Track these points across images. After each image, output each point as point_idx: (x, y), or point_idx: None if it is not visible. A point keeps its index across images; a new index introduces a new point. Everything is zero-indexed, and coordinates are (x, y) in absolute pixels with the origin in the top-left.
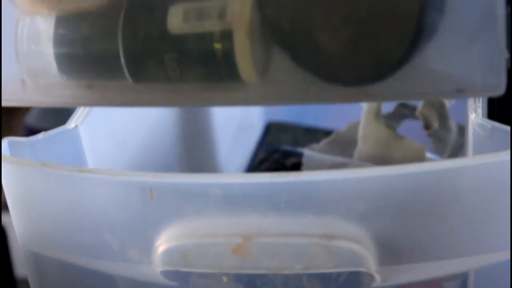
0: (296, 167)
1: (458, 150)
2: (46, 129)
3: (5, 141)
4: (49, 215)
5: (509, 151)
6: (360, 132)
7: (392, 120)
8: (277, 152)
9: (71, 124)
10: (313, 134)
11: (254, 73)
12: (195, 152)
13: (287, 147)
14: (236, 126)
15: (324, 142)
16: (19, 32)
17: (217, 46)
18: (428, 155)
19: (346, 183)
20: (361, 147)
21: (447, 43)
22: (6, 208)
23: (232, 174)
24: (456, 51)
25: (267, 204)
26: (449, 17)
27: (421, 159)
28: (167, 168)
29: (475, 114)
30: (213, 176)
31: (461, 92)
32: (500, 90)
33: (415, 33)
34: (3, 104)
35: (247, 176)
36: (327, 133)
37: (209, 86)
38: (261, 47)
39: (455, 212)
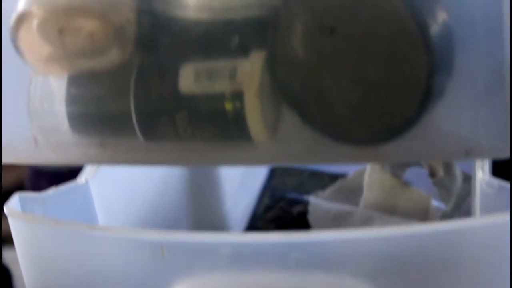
0: (302, 215)
1: (463, 198)
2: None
3: (16, 196)
4: (60, 271)
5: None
6: (366, 180)
7: (398, 168)
8: (283, 199)
9: (82, 179)
10: (319, 178)
11: (264, 133)
12: (201, 197)
13: (293, 195)
14: (242, 170)
15: (329, 189)
16: (31, 90)
17: (228, 106)
18: (434, 202)
19: (355, 243)
20: (367, 195)
21: (456, 105)
22: (9, 243)
23: (242, 234)
24: (465, 113)
25: (277, 263)
26: (458, 79)
27: (426, 208)
28: (175, 214)
29: (482, 172)
30: (223, 235)
31: (470, 154)
32: (506, 153)
33: (424, 95)
34: (16, 162)
35: (257, 236)
36: (332, 176)
37: (220, 145)
38: (271, 106)
39: (461, 271)
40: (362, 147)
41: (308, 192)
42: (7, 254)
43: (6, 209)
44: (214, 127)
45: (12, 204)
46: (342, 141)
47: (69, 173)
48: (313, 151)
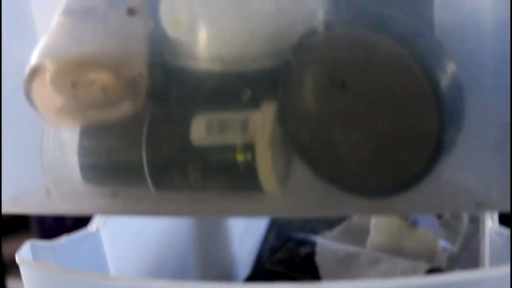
0: (310, 256)
1: (470, 239)
2: None
3: (27, 244)
4: None
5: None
6: (373, 221)
7: None
8: (290, 240)
9: (92, 227)
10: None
11: (276, 184)
12: (208, 241)
13: (300, 235)
14: None
15: (336, 230)
16: (44, 141)
17: (240, 157)
18: (441, 242)
19: None
20: (374, 236)
21: (466, 158)
22: (12, 272)
23: (251, 285)
24: (475, 166)
25: None
26: (468, 133)
27: (434, 249)
28: (183, 259)
29: (492, 222)
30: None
31: (480, 206)
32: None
33: (434, 148)
34: (28, 212)
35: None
36: None
37: (231, 196)
38: (282, 158)
39: None
40: (372, 198)
41: (314, 230)
42: (11, 284)
43: (17, 257)
44: (225, 178)
45: (24, 253)
46: (353, 193)
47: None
48: (324, 203)
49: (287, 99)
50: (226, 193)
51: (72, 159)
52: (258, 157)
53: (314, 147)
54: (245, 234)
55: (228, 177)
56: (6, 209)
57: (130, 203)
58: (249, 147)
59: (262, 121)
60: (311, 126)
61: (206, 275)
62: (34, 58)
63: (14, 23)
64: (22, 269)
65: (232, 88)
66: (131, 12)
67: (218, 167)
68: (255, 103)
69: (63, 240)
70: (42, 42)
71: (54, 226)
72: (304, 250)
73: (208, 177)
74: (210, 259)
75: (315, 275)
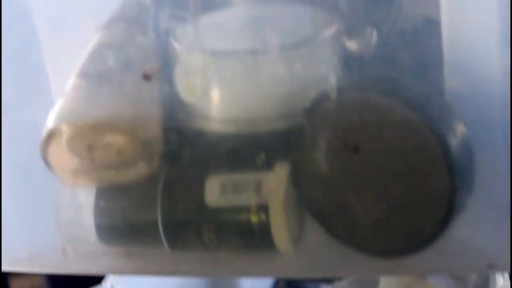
0: None
1: None
2: None
3: None
4: None
5: None
6: None
7: None
8: None
9: (107, 284)
10: None
11: (289, 244)
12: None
13: (310, 285)
14: None
15: (347, 280)
16: (60, 202)
17: (254, 218)
18: None
19: None
20: (385, 286)
21: (477, 220)
22: None
23: None
24: (486, 228)
25: None
26: (479, 195)
27: None
28: None
29: (503, 280)
30: None
31: (492, 267)
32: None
33: (446, 211)
34: (44, 271)
35: None
36: None
37: (245, 256)
38: (296, 218)
39: None
40: (385, 259)
41: (324, 280)
42: None
43: None
44: (239, 238)
45: None
46: (366, 253)
47: None
48: (337, 263)
49: (300, 161)
50: (240, 253)
51: (87, 219)
52: (272, 217)
53: (327, 208)
54: (255, 283)
55: (242, 237)
56: (22, 268)
57: (145, 262)
58: (263, 208)
59: (276, 182)
60: (324, 187)
61: None
62: (50, 121)
63: (30, 86)
64: None
65: (246, 150)
66: (146, 77)
67: (232, 228)
68: (268, 164)
69: None
70: (58, 105)
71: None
72: None
73: (222, 237)
74: None
75: None
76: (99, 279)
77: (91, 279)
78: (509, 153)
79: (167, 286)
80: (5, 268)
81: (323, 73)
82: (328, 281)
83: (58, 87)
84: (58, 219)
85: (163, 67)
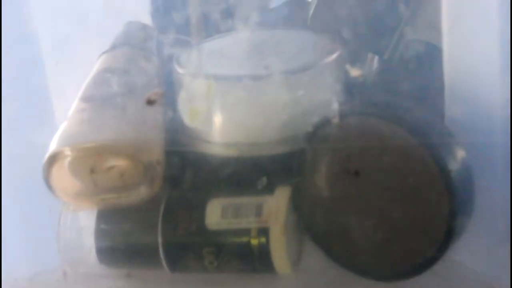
0: None
1: None
2: None
3: None
4: None
5: None
6: None
7: None
8: None
9: None
10: None
11: (289, 266)
12: None
13: None
14: None
15: None
16: (61, 224)
17: (254, 241)
18: None
19: None
20: None
21: (477, 244)
22: None
23: None
24: (485, 251)
25: None
26: (478, 220)
27: None
28: None
29: None
30: None
31: None
32: None
33: (445, 235)
34: None
35: None
36: None
37: (245, 278)
38: (296, 241)
39: None
40: (384, 282)
41: None
42: None
43: None
44: (239, 261)
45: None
46: (365, 276)
47: None
48: (336, 286)
49: (301, 185)
50: (240, 275)
51: (88, 241)
52: (272, 241)
53: (327, 231)
54: None
55: (242, 260)
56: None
57: (145, 284)
58: (263, 231)
59: (276, 205)
60: (325, 211)
61: None
62: (53, 144)
63: (34, 109)
64: None
65: (247, 173)
66: (150, 102)
67: (232, 251)
68: (269, 188)
69: None
70: (61, 128)
71: None
72: None
73: (222, 260)
74: None
75: None
76: None
77: None
78: (509, 176)
79: None
80: None
81: (325, 99)
82: None
83: (62, 110)
84: (59, 241)
85: (167, 91)
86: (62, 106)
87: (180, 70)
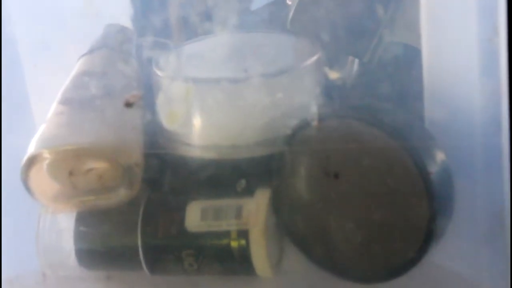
0: None
1: None
2: None
3: None
4: None
5: None
6: None
7: None
8: None
9: None
10: None
11: (269, 269)
12: None
13: None
14: None
15: None
16: (40, 227)
17: (233, 244)
18: None
19: None
20: None
21: (456, 247)
22: None
23: None
24: (465, 254)
25: None
26: (458, 223)
27: None
28: None
29: None
30: None
31: None
32: None
33: (424, 237)
34: None
35: None
36: None
37: (225, 280)
38: (275, 243)
39: None
40: (364, 284)
41: None
42: None
43: None
44: (219, 263)
45: None
46: (345, 278)
47: None
48: (316, 287)
49: (281, 188)
50: (220, 277)
51: (68, 244)
52: (252, 243)
53: (307, 234)
54: None
55: (222, 262)
56: None
57: (125, 286)
58: (243, 234)
59: (256, 208)
60: (304, 213)
61: None
62: (32, 147)
63: (13, 111)
64: None
65: (227, 176)
66: (128, 104)
67: (212, 253)
68: (249, 190)
69: None
70: (39, 131)
71: None
72: None
73: (202, 262)
74: None
75: None
76: None
77: None
78: (509, 177)
79: None
80: None
81: (304, 101)
82: None
83: (40, 113)
84: (38, 243)
85: (145, 94)
86: (41, 109)
87: (159, 73)
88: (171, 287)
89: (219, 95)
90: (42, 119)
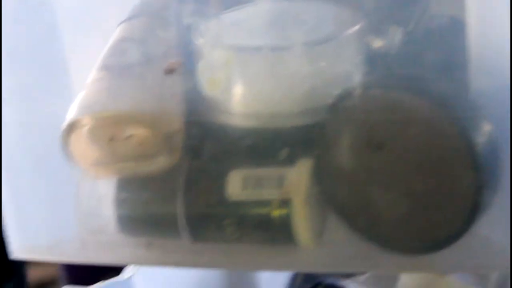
0: None
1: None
2: None
3: None
4: None
5: None
6: None
7: None
8: (319, 285)
9: (126, 274)
10: None
11: (311, 239)
12: (238, 282)
13: (329, 279)
14: None
15: (367, 275)
16: (80, 193)
17: (275, 213)
18: None
19: None
20: (405, 282)
21: (502, 217)
22: None
23: None
24: (510, 225)
25: None
26: (504, 192)
27: None
28: None
29: None
30: None
31: None
32: None
33: (470, 209)
34: (63, 260)
35: None
36: None
37: (266, 250)
38: (317, 213)
39: None
40: (408, 256)
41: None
42: None
43: None
44: (261, 232)
45: None
46: (388, 250)
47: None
48: (359, 258)
49: (323, 157)
50: (261, 246)
51: (107, 210)
52: (294, 212)
53: (350, 204)
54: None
55: (263, 231)
56: (41, 257)
57: (165, 254)
58: (285, 203)
59: (298, 177)
60: (347, 183)
61: None
62: (72, 113)
63: (51, 78)
64: None
65: (268, 145)
66: (168, 71)
67: (253, 222)
68: (291, 159)
69: (97, 286)
70: (80, 97)
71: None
72: None
73: (243, 231)
74: None
75: None
76: (116, 270)
77: (108, 270)
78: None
79: (185, 278)
80: (24, 256)
81: (347, 70)
82: (347, 275)
83: (79, 79)
84: (78, 209)
85: (185, 61)
86: (80, 76)
87: (199, 40)
88: (212, 255)
89: (260, 63)
90: (80, 86)
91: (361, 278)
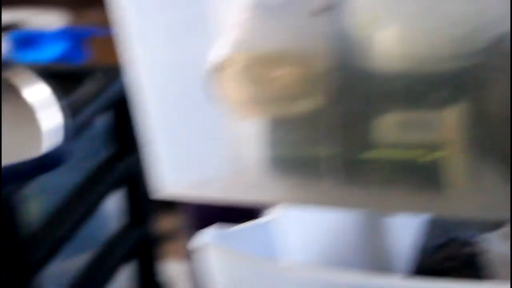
0: (473, 256)
1: None
2: None
3: (211, 231)
4: None
5: None
6: None
7: None
8: (453, 239)
9: (266, 218)
10: None
11: (464, 185)
12: (372, 232)
13: (463, 234)
14: None
15: (503, 229)
16: (230, 132)
17: (427, 158)
18: None
19: None
20: None
21: None
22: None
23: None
24: None
25: None
26: None
27: None
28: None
29: None
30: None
31: None
32: None
33: None
34: (214, 199)
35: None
36: None
37: (415, 192)
38: (471, 159)
39: None
40: None
41: (478, 228)
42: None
43: (200, 243)
44: (412, 177)
45: (207, 238)
46: None
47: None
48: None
49: (479, 102)
50: (410, 190)
51: (255, 151)
52: (447, 157)
53: (506, 150)
54: (404, 229)
55: (415, 176)
56: (187, 195)
57: (311, 195)
58: (437, 147)
59: (452, 122)
60: (505, 129)
61: (365, 267)
62: (221, 52)
63: (193, 17)
64: (207, 254)
65: (420, 88)
66: (318, 11)
67: (404, 166)
68: (444, 103)
69: (239, 228)
70: (229, 36)
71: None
72: (467, 250)
73: (393, 175)
74: (371, 251)
75: (479, 276)
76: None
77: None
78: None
79: (320, 226)
80: (170, 192)
81: (502, 14)
82: (482, 230)
83: (221, 19)
84: (225, 149)
85: (333, 2)
86: (222, 16)
87: None
88: (360, 199)
89: (413, 4)
90: (223, 25)
91: (497, 233)
